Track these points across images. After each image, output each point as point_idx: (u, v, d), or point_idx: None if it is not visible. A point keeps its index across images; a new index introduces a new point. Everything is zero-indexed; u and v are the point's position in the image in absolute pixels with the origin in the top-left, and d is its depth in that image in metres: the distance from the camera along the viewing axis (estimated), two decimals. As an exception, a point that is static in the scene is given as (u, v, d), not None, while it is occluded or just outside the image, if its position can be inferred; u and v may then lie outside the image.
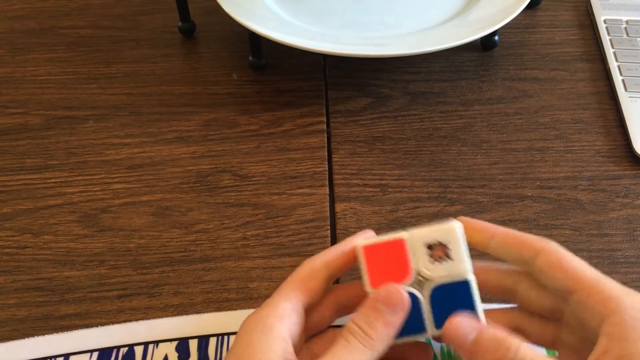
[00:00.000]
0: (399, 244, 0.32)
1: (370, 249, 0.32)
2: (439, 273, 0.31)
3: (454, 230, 0.31)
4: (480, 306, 0.31)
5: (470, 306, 0.31)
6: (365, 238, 0.34)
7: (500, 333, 0.29)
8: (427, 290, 0.31)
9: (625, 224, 0.45)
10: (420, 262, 0.31)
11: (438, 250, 0.31)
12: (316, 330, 0.35)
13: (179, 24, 0.61)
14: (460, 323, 0.30)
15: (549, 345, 0.33)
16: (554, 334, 0.33)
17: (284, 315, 0.31)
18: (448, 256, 0.31)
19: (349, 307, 0.34)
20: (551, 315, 0.32)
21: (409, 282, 0.31)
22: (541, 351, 0.33)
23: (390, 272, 0.31)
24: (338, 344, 0.30)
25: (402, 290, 0.31)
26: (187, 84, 0.57)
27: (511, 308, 0.35)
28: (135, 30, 0.63)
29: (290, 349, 0.30)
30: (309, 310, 0.33)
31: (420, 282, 0.31)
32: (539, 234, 0.42)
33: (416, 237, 0.32)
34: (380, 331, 0.30)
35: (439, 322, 0.31)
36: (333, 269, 0.33)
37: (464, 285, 0.31)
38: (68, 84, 0.57)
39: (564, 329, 0.32)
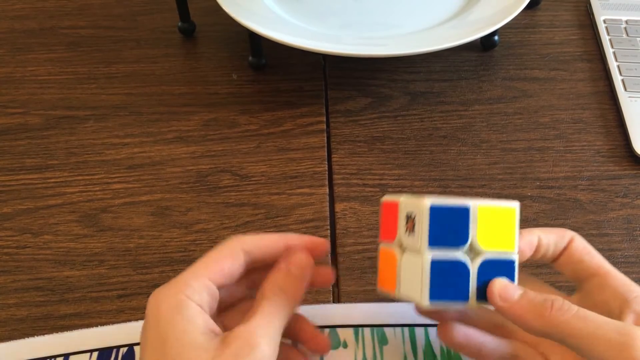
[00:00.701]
0: (463, 210, 0.32)
1: (436, 210, 0.32)
2: (491, 247, 0.32)
3: (514, 212, 0.32)
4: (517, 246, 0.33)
5: (511, 236, 0.32)
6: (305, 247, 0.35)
7: (541, 294, 0.30)
8: (477, 262, 0.32)
9: (625, 223, 0.45)
10: (477, 232, 0.32)
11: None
12: (227, 305, 0.35)
13: (179, 24, 0.61)
14: (505, 282, 0.31)
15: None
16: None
17: (193, 293, 0.30)
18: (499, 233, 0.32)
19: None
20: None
21: (464, 249, 0.32)
22: None
23: (450, 235, 0.32)
24: (261, 302, 0.31)
25: (306, 255, 0.33)
26: (187, 84, 0.57)
27: None
28: (135, 30, 0.63)
29: (209, 320, 0.30)
30: (221, 288, 0.33)
31: (473, 251, 0.32)
32: (538, 234, 0.42)
33: (479, 208, 0.32)
34: (293, 288, 0.32)
35: (480, 294, 0.32)
36: (255, 257, 0.33)
37: (510, 264, 0.32)
38: (68, 84, 0.57)
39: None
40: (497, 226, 0.31)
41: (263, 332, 0.30)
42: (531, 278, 0.35)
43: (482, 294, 0.31)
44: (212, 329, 0.30)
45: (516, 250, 0.32)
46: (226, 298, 0.34)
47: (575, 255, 0.34)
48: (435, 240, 0.31)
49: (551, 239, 0.34)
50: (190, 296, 0.30)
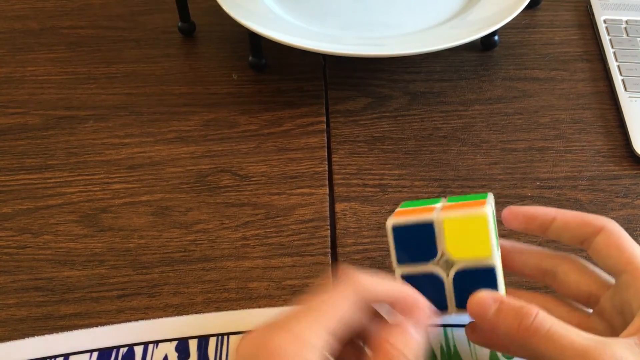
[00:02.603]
0: (427, 226, 0.32)
1: (399, 229, 0.32)
2: (464, 257, 0.31)
3: (485, 218, 0.31)
4: (503, 289, 0.32)
5: (485, 243, 0.31)
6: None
7: (518, 302, 0.29)
8: (452, 272, 0.32)
9: (625, 223, 0.45)
10: (446, 244, 0.31)
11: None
12: None
13: (179, 24, 0.61)
14: (482, 297, 0.30)
15: None
16: (579, 322, 0.33)
17: (314, 353, 0.26)
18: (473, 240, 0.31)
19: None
20: (586, 301, 0.33)
21: (434, 261, 0.32)
22: None
23: (417, 251, 0.32)
24: None
25: (427, 309, 0.30)
26: (187, 84, 0.57)
27: (540, 293, 0.35)
28: (135, 30, 0.63)
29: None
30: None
31: (446, 263, 0.32)
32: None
33: (445, 221, 0.31)
34: (416, 351, 0.29)
35: (461, 302, 0.32)
36: (368, 301, 0.29)
37: (489, 271, 0.31)
38: (68, 84, 0.57)
39: (594, 317, 0.32)
40: (468, 235, 0.31)
41: None
42: (534, 248, 0.35)
43: (463, 302, 0.31)
44: None
45: (494, 255, 0.31)
46: None
47: (602, 250, 0.32)
48: (403, 258, 0.32)
49: (569, 218, 0.33)
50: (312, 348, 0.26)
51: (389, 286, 0.30)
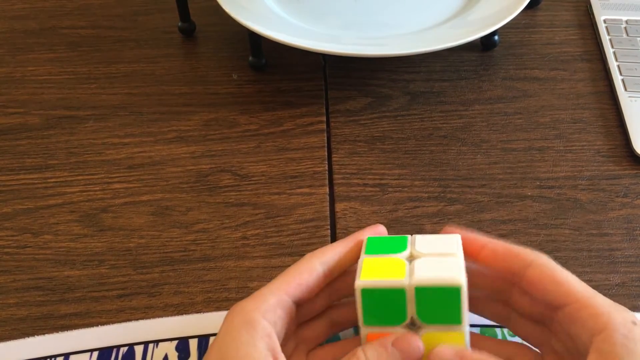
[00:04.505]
0: (398, 291, 0.31)
1: (368, 292, 0.31)
2: (434, 322, 0.31)
3: (459, 290, 0.30)
4: (469, 343, 0.31)
5: (456, 311, 0.31)
6: (375, 233, 0.35)
7: (481, 355, 0.29)
8: (420, 332, 0.31)
9: (625, 223, 0.45)
10: (416, 310, 0.31)
11: None
12: (308, 318, 0.35)
13: (179, 24, 0.61)
14: (444, 352, 0.30)
15: (535, 345, 0.33)
16: (543, 336, 0.33)
17: (267, 310, 0.31)
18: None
19: (341, 297, 0.36)
20: (541, 320, 0.33)
21: (402, 325, 0.31)
22: None
23: (385, 314, 0.31)
24: None
25: (419, 344, 0.30)
26: (187, 84, 0.57)
27: (504, 341, 0.35)
28: (135, 30, 0.63)
29: (275, 344, 0.30)
30: (301, 302, 0.33)
31: (414, 325, 0.31)
32: (539, 234, 0.42)
33: (416, 288, 0.30)
34: None
35: (424, 316, 0.31)
36: (332, 266, 0.34)
37: (458, 332, 0.31)
38: (68, 84, 0.57)
39: (553, 336, 0.32)
40: (440, 302, 0.30)
41: None
42: (489, 271, 0.34)
43: (426, 316, 0.31)
44: (274, 356, 0.30)
45: (464, 321, 0.30)
46: (307, 311, 0.35)
47: (537, 283, 0.31)
48: (370, 320, 0.31)
49: (499, 248, 0.32)
50: (264, 314, 0.31)
51: (344, 244, 0.34)
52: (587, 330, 0.28)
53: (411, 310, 0.31)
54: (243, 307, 0.31)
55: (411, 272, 0.31)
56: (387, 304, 0.31)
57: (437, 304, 0.30)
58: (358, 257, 0.33)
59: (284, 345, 0.32)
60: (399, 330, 0.31)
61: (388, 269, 0.31)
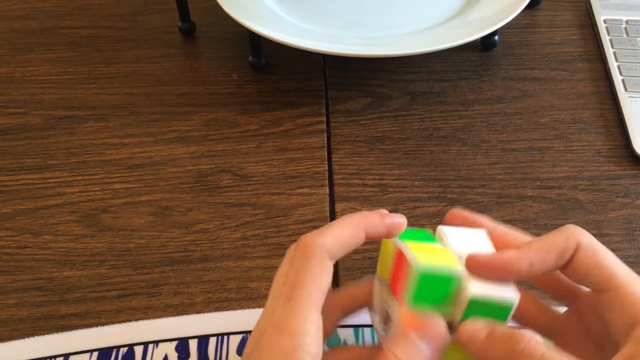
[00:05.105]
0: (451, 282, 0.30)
1: (401, 256, 0.31)
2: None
3: (511, 307, 0.30)
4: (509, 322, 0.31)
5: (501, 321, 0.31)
6: (380, 216, 0.32)
7: (509, 329, 0.29)
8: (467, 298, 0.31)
9: (625, 223, 0.45)
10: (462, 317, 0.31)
11: None
12: (327, 337, 0.34)
13: (179, 24, 0.61)
14: (472, 324, 0.30)
15: (544, 330, 0.33)
16: (552, 321, 0.33)
17: (311, 345, 0.27)
18: None
19: (352, 309, 0.35)
20: (563, 299, 0.33)
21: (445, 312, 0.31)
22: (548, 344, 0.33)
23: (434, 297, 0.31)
24: None
25: (442, 324, 0.30)
26: (187, 84, 0.57)
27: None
28: (135, 30, 0.63)
29: None
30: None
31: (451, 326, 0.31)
32: (539, 234, 0.42)
33: (470, 300, 0.30)
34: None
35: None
36: (338, 256, 0.31)
37: (507, 308, 0.30)
38: (68, 84, 0.57)
39: (575, 318, 0.32)
40: (488, 314, 0.30)
41: None
42: (527, 293, 0.33)
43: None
44: None
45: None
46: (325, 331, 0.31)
47: (581, 270, 0.30)
48: (420, 299, 0.30)
49: (548, 259, 0.30)
50: (307, 349, 0.27)
51: (348, 230, 0.31)
52: (626, 318, 0.28)
53: (458, 313, 0.30)
54: (284, 348, 0.27)
55: (466, 280, 0.30)
56: (439, 290, 0.30)
57: (486, 314, 0.30)
58: (360, 241, 0.32)
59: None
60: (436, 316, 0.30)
61: (439, 255, 0.31)
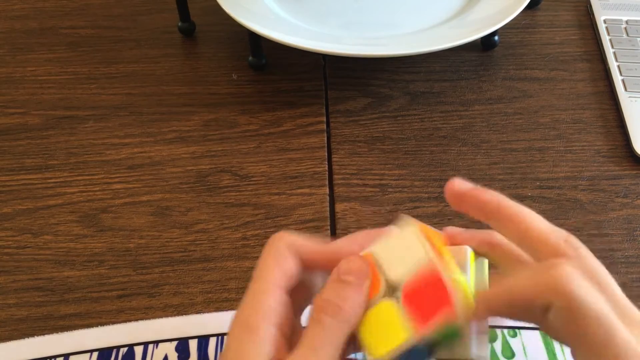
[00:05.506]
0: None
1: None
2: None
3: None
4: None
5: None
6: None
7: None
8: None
9: (625, 224, 0.45)
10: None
11: None
12: (309, 303, 0.33)
13: (179, 24, 0.61)
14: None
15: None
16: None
17: (267, 313, 0.28)
18: None
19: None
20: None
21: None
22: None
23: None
24: (310, 326, 0.28)
25: (360, 258, 0.30)
26: (187, 84, 0.57)
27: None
28: (135, 30, 0.63)
29: (278, 346, 0.28)
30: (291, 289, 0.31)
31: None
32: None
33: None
34: (351, 300, 0.29)
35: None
36: (305, 260, 0.31)
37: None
38: (68, 84, 0.57)
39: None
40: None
41: None
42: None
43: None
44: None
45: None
46: (304, 297, 0.32)
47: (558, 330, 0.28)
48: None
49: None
50: (267, 317, 0.28)
51: (324, 248, 0.31)
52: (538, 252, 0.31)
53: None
54: (242, 316, 0.29)
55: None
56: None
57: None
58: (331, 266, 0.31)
59: (292, 334, 0.30)
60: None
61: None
